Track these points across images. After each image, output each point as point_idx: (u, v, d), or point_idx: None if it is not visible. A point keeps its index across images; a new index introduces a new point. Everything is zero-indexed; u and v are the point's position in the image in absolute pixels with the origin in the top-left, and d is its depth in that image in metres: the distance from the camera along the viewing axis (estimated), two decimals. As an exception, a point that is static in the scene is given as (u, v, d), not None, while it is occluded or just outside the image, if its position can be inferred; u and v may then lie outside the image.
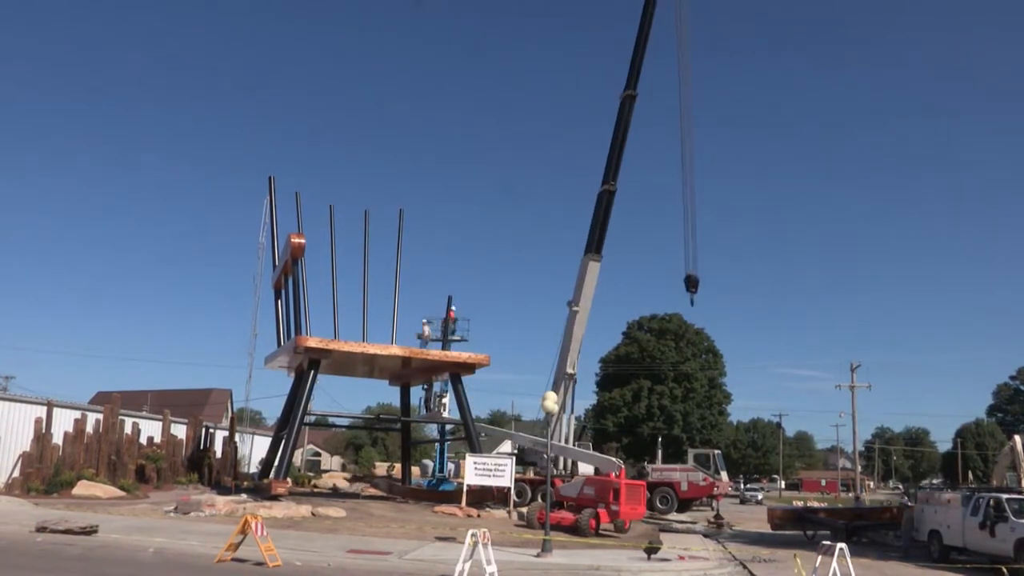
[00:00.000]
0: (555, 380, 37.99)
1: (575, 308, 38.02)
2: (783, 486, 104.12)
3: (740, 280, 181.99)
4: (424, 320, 43.45)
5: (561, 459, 38.78)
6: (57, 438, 32.81)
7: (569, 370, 37.80)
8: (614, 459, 33.55)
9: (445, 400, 40.84)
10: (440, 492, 38.08)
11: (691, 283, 35.61)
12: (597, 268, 38.25)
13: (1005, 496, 22.93)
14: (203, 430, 43.10)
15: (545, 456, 33.39)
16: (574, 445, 40.74)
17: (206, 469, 39.57)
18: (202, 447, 42.21)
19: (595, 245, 38.02)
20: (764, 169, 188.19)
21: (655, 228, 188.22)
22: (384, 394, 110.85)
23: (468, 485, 31.55)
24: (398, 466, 48.34)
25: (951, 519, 24.26)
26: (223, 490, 34.29)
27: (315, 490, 41.18)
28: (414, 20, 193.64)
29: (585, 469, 39.75)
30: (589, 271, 38.00)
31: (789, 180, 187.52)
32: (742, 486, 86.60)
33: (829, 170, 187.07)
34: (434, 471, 44.69)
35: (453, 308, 43.83)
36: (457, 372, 35.82)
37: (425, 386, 43.82)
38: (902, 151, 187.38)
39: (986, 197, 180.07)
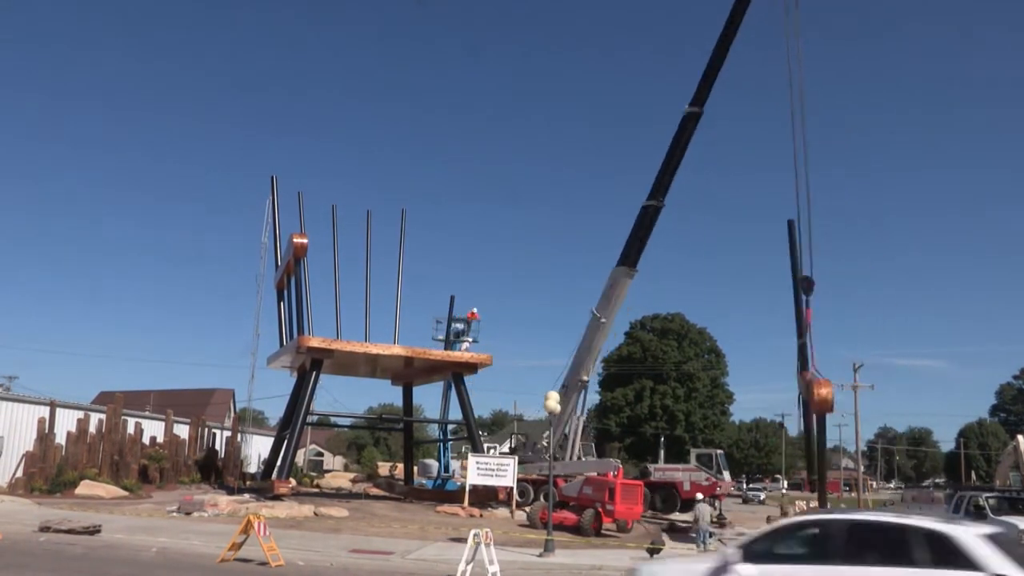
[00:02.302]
0: (567, 384, 37.88)
1: (603, 320, 37.48)
2: (786, 486, 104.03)
3: (742, 279, 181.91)
4: (436, 320, 43.29)
5: (568, 455, 38.76)
6: (60, 438, 32.87)
7: (584, 377, 37.77)
8: (611, 459, 33.54)
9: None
10: (443, 492, 38.13)
11: (808, 286, 31.16)
12: (630, 282, 37.47)
13: (985, 495, 24.03)
14: (207, 430, 43.16)
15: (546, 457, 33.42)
16: (579, 443, 40.78)
17: (210, 469, 39.66)
18: (212, 448, 42.31)
19: (633, 259, 37.01)
20: (764, 167, 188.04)
21: (658, 227, 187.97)
22: (386, 394, 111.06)
23: (471, 485, 31.59)
24: (400, 466, 48.38)
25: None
26: (226, 490, 34.34)
27: (321, 491, 41.22)
28: (416, 19, 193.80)
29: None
30: (622, 285, 37.15)
31: (787, 177, 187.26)
32: (745, 486, 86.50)
33: (830, 167, 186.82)
34: (439, 471, 44.70)
35: (475, 310, 43.73)
36: (459, 372, 35.86)
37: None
38: (904, 148, 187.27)
39: (990, 194, 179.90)
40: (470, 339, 42.37)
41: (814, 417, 28.01)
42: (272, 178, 36.59)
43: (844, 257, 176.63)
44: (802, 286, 30.14)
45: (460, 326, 42.78)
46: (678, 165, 36.17)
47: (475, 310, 43.31)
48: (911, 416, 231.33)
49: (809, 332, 29.35)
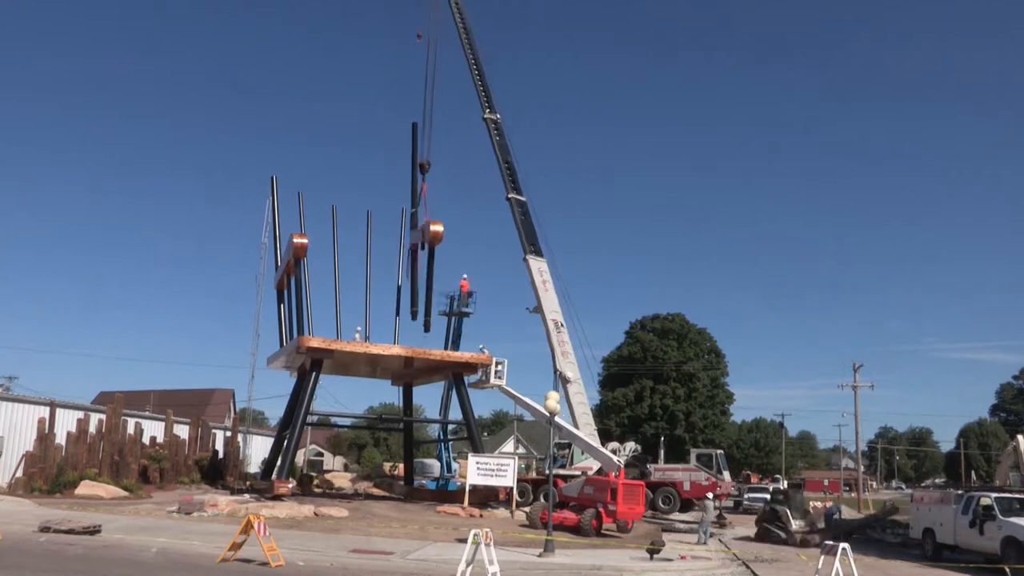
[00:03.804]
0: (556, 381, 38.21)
1: (534, 311, 39.24)
2: (786, 486, 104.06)
3: (741, 279, 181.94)
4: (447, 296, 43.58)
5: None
6: (60, 438, 32.84)
7: (559, 369, 38.02)
8: (615, 458, 33.46)
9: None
10: (443, 492, 38.11)
11: (423, 168, 39.77)
12: (537, 266, 39.38)
13: (994, 495, 23.61)
14: (207, 430, 43.12)
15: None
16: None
17: (210, 469, 39.62)
18: (214, 450, 42.28)
19: (524, 246, 39.83)
20: (761, 166, 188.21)
21: (655, 228, 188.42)
22: (386, 394, 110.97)
23: (471, 485, 31.58)
24: (400, 466, 48.38)
25: (944, 518, 24.82)
26: (229, 491, 34.32)
27: (324, 491, 41.20)
28: (415, 19, 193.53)
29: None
30: (532, 272, 39.29)
31: (787, 179, 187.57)
32: (741, 488, 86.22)
33: (829, 167, 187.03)
34: (441, 471, 44.67)
35: (465, 277, 44.58)
36: (459, 372, 35.82)
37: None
38: (905, 148, 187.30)
39: (989, 195, 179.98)
40: (469, 310, 42.90)
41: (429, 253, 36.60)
42: (272, 178, 36.64)
43: (846, 256, 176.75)
44: (422, 167, 39.54)
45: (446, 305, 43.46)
46: (504, 161, 41.36)
47: (465, 277, 44.20)
48: (911, 416, 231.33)
49: (424, 198, 38.86)
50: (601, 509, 26.17)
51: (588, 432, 37.56)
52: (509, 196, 41.01)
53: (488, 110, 42.33)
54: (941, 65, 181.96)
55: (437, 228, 35.80)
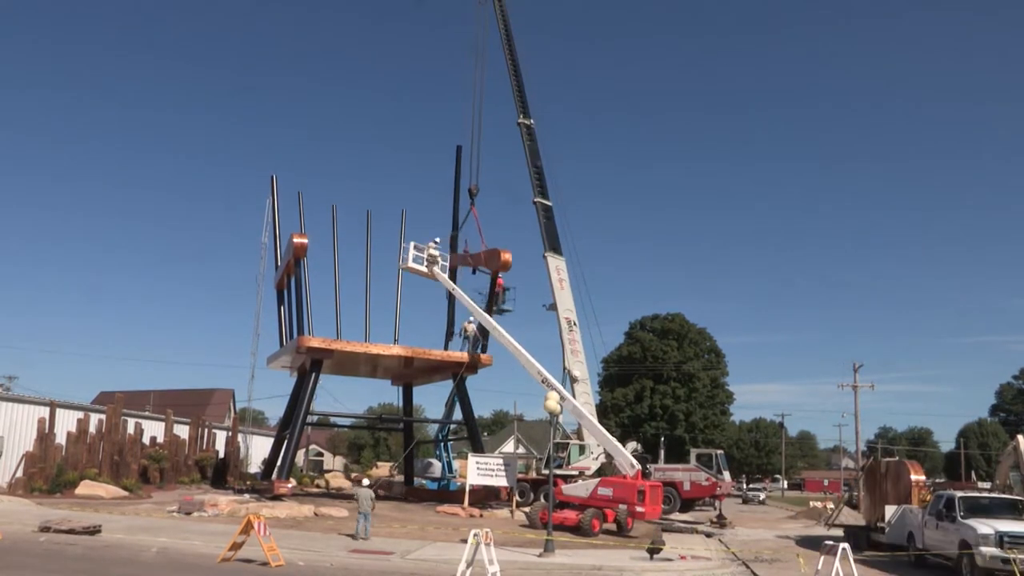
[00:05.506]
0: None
1: (548, 307, 39.75)
2: (786, 486, 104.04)
3: (741, 279, 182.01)
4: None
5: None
6: (60, 438, 32.85)
7: (567, 367, 38.13)
8: (634, 459, 33.14)
9: None
10: (443, 492, 38.10)
11: (472, 193, 41.04)
12: (553, 264, 39.97)
13: (959, 494, 21.63)
14: (207, 430, 43.14)
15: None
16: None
17: (214, 471, 39.65)
18: (218, 452, 42.29)
19: (545, 245, 40.82)
20: (761, 166, 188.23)
21: (655, 229, 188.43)
22: (386, 394, 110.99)
23: (471, 485, 31.58)
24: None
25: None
26: (232, 491, 34.31)
27: (328, 491, 41.24)
28: (416, 18, 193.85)
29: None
30: (549, 269, 39.95)
31: (787, 178, 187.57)
32: (745, 486, 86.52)
33: (826, 166, 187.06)
34: (443, 472, 44.65)
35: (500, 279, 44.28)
36: (460, 372, 35.80)
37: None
38: (903, 145, 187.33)
39: (989, 193, 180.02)
40: (509, 308, 42.71)
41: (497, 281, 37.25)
42: (272, 178, 36.61)
43: (846, 256, 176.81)
44: (471, 192, 40.90)
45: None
46: (534, 166, 42.31)
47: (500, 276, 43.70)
48: (911, 416, 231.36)
49: (478, 224, 39.94)
50: (609, 511, 26.07)
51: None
52: (535, 200, 41.63)
53: (523, 115, 42.81)
54: (940, 62, 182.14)
55: (507, 256, 35.99)
